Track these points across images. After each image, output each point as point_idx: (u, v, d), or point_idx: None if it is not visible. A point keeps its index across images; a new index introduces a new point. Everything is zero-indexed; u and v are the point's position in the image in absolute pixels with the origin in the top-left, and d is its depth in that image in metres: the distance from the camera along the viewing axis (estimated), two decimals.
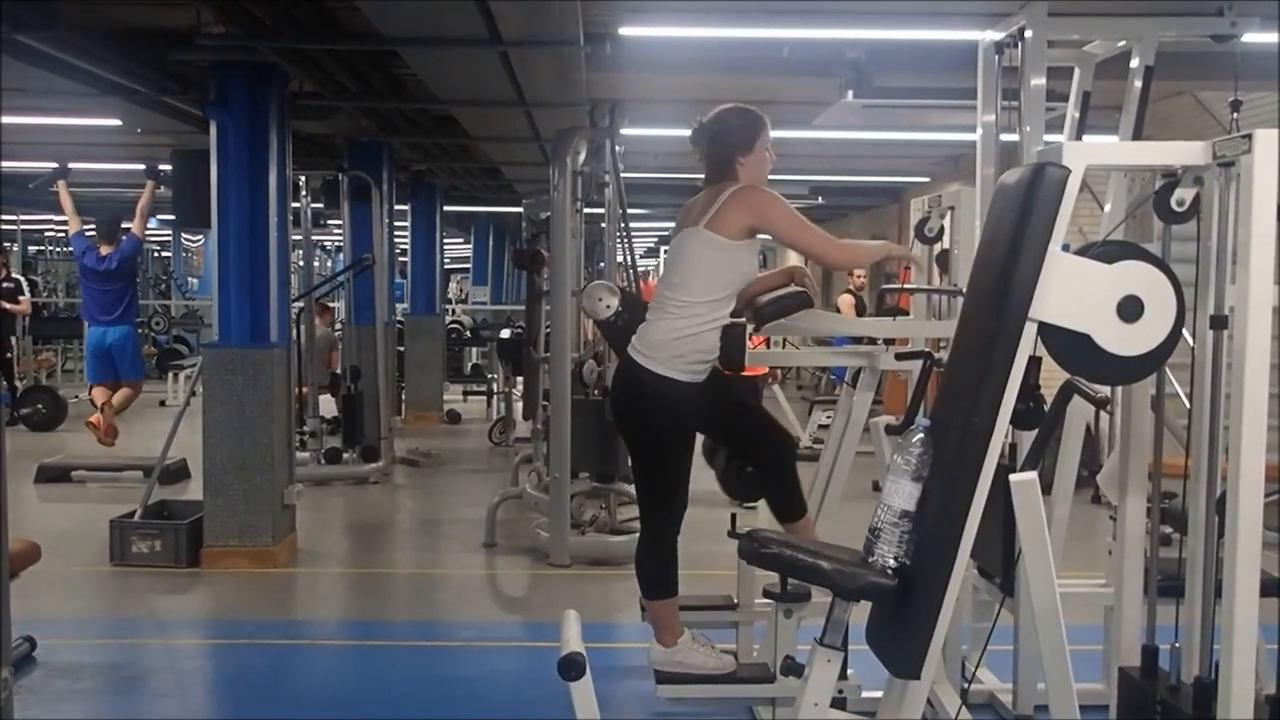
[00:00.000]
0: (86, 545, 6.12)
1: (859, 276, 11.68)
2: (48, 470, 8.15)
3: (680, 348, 3.39)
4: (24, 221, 15.94)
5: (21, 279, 12.24)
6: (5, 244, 14.85)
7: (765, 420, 3.82)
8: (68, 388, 12.70)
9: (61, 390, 11.72)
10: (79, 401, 11.87)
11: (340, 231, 9.65)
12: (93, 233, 8.36)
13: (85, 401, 11.89)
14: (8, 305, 11.13)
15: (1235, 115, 4.17)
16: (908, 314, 4.57)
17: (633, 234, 6.51)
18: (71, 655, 4.58)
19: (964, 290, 3.11)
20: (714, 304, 3.40)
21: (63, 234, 19.12)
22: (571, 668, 2.50)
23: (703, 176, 3.57)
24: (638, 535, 3.73)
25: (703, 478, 3.78)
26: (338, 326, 10.65)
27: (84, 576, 5.80)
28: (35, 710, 3.98)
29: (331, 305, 12.14)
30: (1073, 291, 2.35)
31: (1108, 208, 3.85)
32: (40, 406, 10.75)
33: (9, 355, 11.20)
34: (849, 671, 3.41)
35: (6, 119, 7.38)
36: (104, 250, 8.16)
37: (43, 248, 20.48)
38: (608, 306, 4.02)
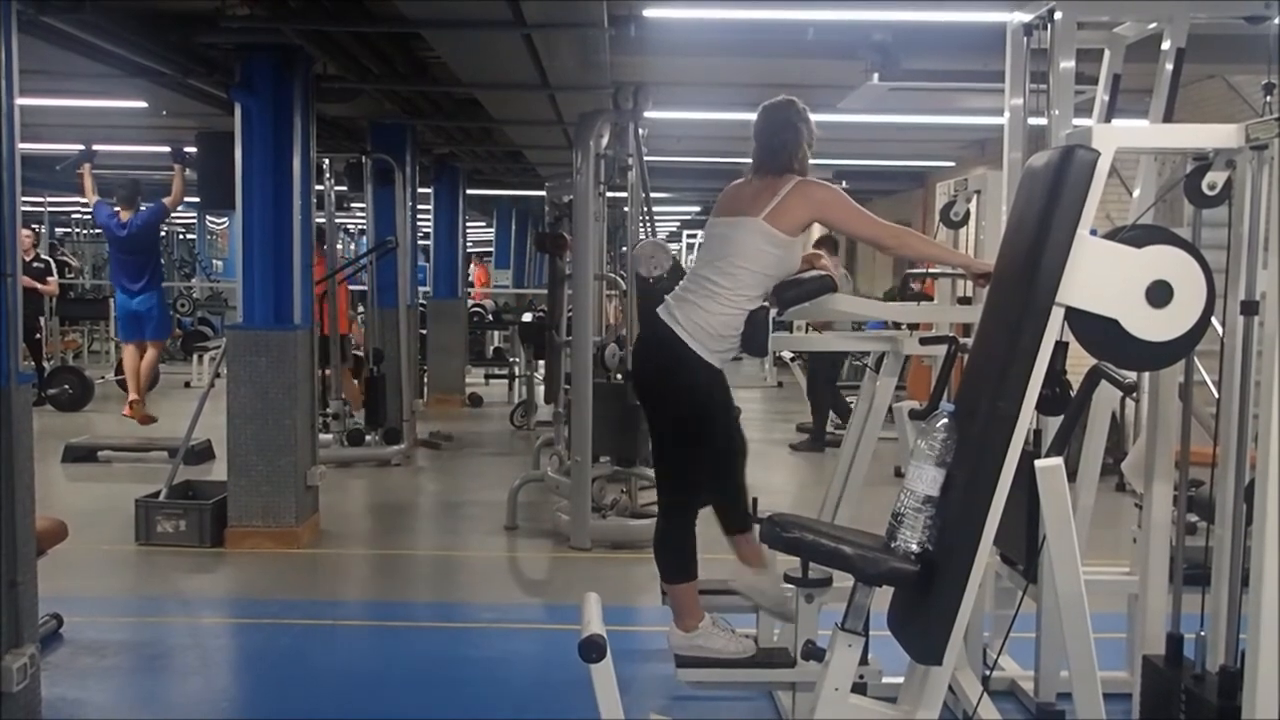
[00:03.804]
0: (112, 524, 6.18)
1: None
2: (74, 450, 8.24)
3: (720, 330, 3.39)
4: (51, 203, 16.03)
5: (51, 260, 12.33)
6: (33, 225, 14.96)
7: (732, 421, 3.77)
8: (94, 368, 12.80)
9: (88, 371, 11.81)
10: (105, 382, 11.98)
11: (363, 214, 9.68)
12: (114, 203, 8.41)
13: (112, 382, 12.05)
14: (37, 286, 11.23)
15: (1269, 99, 4.12)
16: (932, 299, 4.54)
17: (655, 218, 6.48)
18: (98, 632, 4.62)
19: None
20: (756, 296, 3.40)
21: (89, 216, 19.29)
22: (592, 650, 2.50)
23: (748, 160, 3.55)
24: (656, 519, 3.72)
25: None
26: (360, 309, 10.68)
27: (110, 555, 5.86)
28: (62, 686, 4.03)
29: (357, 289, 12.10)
30: (1101, 276, 2.33)
31: (1137, 192, 3.80)
32: (67, 387, 10.87)
33: (37, 336, 11.31)
34: (870, 657, 3.39)
35: (33, 101, 7.42)
36: (124, 216, 8.29)
37: (70, 229, 20.61)
38: (658, 267, 4.07)
